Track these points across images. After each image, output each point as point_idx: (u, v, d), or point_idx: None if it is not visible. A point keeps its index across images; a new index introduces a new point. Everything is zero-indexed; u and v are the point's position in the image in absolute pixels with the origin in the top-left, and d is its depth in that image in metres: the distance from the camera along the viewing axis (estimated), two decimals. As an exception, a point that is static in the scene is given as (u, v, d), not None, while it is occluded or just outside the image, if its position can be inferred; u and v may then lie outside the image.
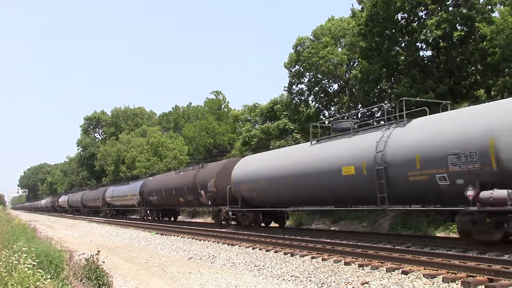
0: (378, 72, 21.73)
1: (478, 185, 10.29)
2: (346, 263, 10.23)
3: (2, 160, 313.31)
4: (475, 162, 10.39)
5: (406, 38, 21.88)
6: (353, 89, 27.42)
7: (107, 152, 63.33)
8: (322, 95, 28.72)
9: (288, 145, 18.89)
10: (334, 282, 8.67)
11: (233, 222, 21.43)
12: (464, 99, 19.53)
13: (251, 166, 20.11)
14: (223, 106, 53.47)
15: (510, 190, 9.65)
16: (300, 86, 29.23)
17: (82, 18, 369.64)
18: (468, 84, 20.74)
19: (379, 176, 12.66)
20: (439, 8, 20.11)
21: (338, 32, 27.27)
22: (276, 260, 11.59)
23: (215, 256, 13.04)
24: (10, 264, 6.17)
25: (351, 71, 27.33)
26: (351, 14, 26.10)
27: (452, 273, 8.28)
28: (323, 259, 11.02)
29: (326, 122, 28.90)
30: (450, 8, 20.29)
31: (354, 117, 26.44)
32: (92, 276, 8.08)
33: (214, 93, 54.54)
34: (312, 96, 29.14)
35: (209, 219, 30.16)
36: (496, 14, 19.28)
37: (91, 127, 79.89)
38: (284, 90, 30.65)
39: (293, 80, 28.97)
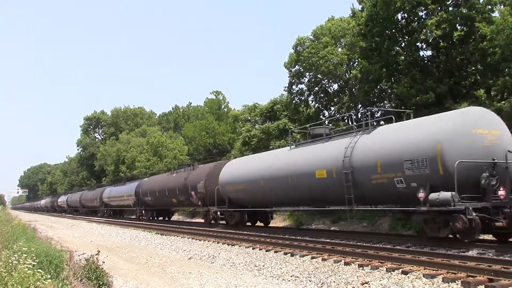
0: (378, 72, 21.72)
1: (429, 187, 11.49)
2: (346, 263, 10.24)
3: (2, 160, 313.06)
4: (426, 167, 11.61)
5: (406, 38, 21.87)
6: (353, 89, 27.42)
7: (107, 152, 63.31)
8: (322, 95, 28.71)
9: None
10: (334, 282, 8.68)
11: (222, 222, 22.50)
12: (464, 99, 19.53)
13: (236, 169, 21.28)
14: (223, 106, 53.42)
15: (453, 193, 10.75)
16: (300, 86, 29.24)
17: (82, 18, 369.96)
18: (468, 84, 20.74)
19: (346, 179, 13.87)
20: (439, 8, 20.11)
21: (338, 32, 27.26)
22: (276, 260, 11.60)
23: (215, 256, 13.04)
24: (10, 264, 6.17)
25: (351, 71, 27.32)
26: (351, 14, 26.10)
27: (452, 273, 8.28)
28: (323, 259, 11.02)
29: (326, 122, 28.98)
30: (450, 8, 20.29)
31: (354, 117, 26.52)
32: (92, 276, 8.08)
33: (214, 93, 54.52)
34: (312, 96, 29.13)
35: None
36: (496, 14, 19.29)
37: (91, 127, 79.86)
38: (284, 90, 30.66)
39: (293, 80, 28.96)
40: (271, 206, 19.95)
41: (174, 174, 28.77)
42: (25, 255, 6.45)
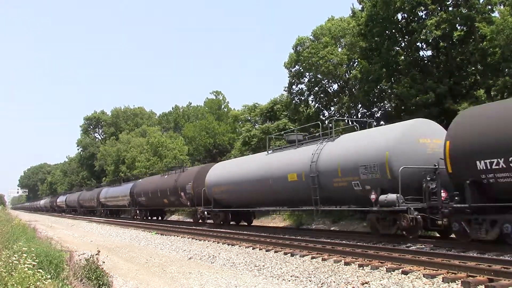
0: (378, 72, 21.71)
1: (379, 190, 12.93)
2: (346, 263, 10.24)
3: (2, 160, 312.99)
4: (377, 172, 13.07)
5: (406, 38, 21.87)
6: (353, 89, 27.41)
7: (107, 152, 63.28)
8: (322, 95, 28.68)
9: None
10: (334, 282, 8.68)
11: (209, 221, 24.05)
12: (464, 99, 19.53)
13: (221, 172, 22.65)
14: (223, 106, 53.39)
15: (398, 195, 12.21)
16: (300, 86, 29.21)
17: (82, 18, 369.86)
18: (468, 84, 20.73)
19: (313, 182, 15.27)
20: (439, 8, 20.11)
21: (338, 32, 27.24)
22: (276, 260, 11.60)
23: (215, 256, 13.04)
24: (10, 264, 6.17)
25: (351, 71, 27.31)
26: (351, 14, 26.09)
27: (452, 273, 8.29)
28: (323, 259, 11.02)
29: (326, 122, 29.00)
30: (450, 8, 20.28)
31: (354, 116, 26.52)
32: (92, 276, 8.08)
33: (214, 93, 54.47)
34: (312, 96, 29.10)
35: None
36: (496, 14, 19.29)
37: (91, 127, 79.80)
38: (284, 90, 30.63)
39: (293, 80, 28.93)
40: (252, 207, 21.13)
41: (166, 176, 30.11)
42: (25, 255, 6.44)
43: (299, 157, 16.60)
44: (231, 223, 23.08)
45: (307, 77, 28.68)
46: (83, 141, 77.85)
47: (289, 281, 9.28)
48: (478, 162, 10.60)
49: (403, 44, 22.43)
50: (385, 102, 25.56)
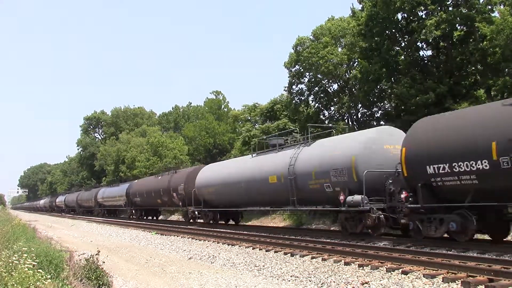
0: (378, 72, 21.71)
1: (347, 192, 14.09)
2: (346, 263, 10.23)
3: (2, 160, 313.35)
4: (345, 175, 14.26)
5: (406, 38, 21.87)
6: (353, 89, 27.41)
7: (107, 152, 63.23)
8: (322, 95, 28.68)
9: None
10: (334, 282, 8.67)
11: (199, 220, 25.39)
12: (464, 99, 19.52)
13: (210, 173, 23.81)
14: (223, 106, 53.36)
15: (363, 196, 13.37)
16: (300, 86, 29.22)
17: (83, 18, 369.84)
18: (468, 84, 20.73)
19: (291, 184, 16.42)
20: (438, 8, 20.09)
21: (338, 32, 27.24)
22: (276, 260, 11.59)
23: (215, 256, 13.04)
24: (10, 264, 6.17)
25: (351, 71, 27.31)
26: (351, 14, 26.07)
27: (452, 273, 8.28)
28: (323, 259, 11.02)
29: (326, 122, 29.01)
30: (450, 8, 20.27)
31: (354, 116, 26.50)
32: (92, 276, 8.08)
33: (214, 93, 54.45)
34: (312, 96, 29.11)
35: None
36: (496, 14, 19.28)
37: (91, 127, 79.73)
38: (284, 90, 30.65)
39: (293, 80, 28.93)
40: (238, 207, 22.03)
41: (160, 177, 31.33)
42: (25, 255, 6.45)
43: (278, 160, 17.70)
44: (220, 222, 24.31)
45: (307, 77, 28.69)
46: (83, 141, 77.77)
47: (289, 281, 9.27)
48: (428, 167, 11.70)
49: (403, 44, 22.43)
50: (385, 102, 25.56)
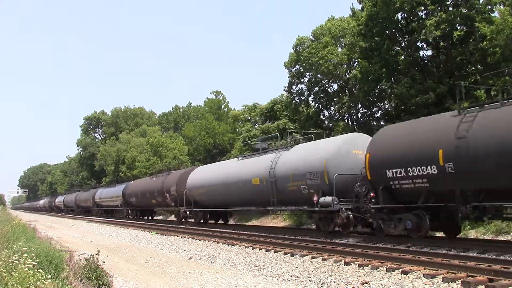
0: (378, 72, 21.68)
1: (321, 193, 15.20)
2: (346, 263, 10.23)
3: (2, 160, 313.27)
4: (318, 178, 15.37)
5: (406, 38, 21.84)
6: (353, 89, 27.40)
7: (107, 152, 63.20)
8: (322, 95, 28.66)
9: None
10: (334, 282, 8.67)
11: (191, 220, 26.47)
12: (464, 99, 19.49)
13: (200, 175, 25.02)
14: (223, 106, 53.31)
15: (333, 197, 14.52)
16: (300, 86, 29.19)
17: (82, 18, 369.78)
18: (468, 84, 20.70)
19: (271, 186, 17.57)
20: (438, 8, 20.07)
21: (338, 32, 27.22)
22: (276, 260, 11.59)
23: (215, 256, 13.04)
24: (10, 264, 6.17)
25: (351, 71, 27.30)
26: (351, 14, 26.05)
27: (452, 273, 8.28)
28: (323, 259, 11.02)
29: (326, 122, 29.02)
30: (450, 8, 20.25)
31: (354, 116, 26.49)
32: (92, 276, 8.08)
33: (214, 93, 54.37)
34: (312, 96, 29.08)
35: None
36: (496, 14, 19.26)
37: (91, 127, 79.67)
38: (284, 90, 30.62)
39: (293, 80, 28.91)
40: (226, 207, 23.03)
41: (154, 178, 32.59)
42: (25, 255, 6.45)
43: (261, 164, 18.88)
44: (210, 221, 25.73)
45: (307, 77, 28.67)
46: (83, 141, 77.73)
47: (289, 281, 9.27)
48: (387, 171, 12.79)
49: (403, 44, 22.41)
50: (385, 102, 25.55)
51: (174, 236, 20.06)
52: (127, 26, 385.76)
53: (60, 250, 10.54)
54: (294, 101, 29.29)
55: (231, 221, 30.00)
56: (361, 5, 24.12)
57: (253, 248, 13.95)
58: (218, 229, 20.68)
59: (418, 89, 19.59)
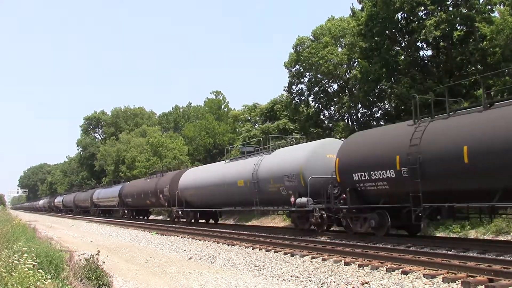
0: (378, 72, 21.68)
1: (297, 194, 16.29)
2: (346, 263, 10.23)
3: (2, 160, 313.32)
4: (295, 180, 16.45)
5: (406, 38, 21.84)
6: (353, 89, 27.40)
7: (107, 152, 63.21)
8: (322, 95, 28.67)
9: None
10: (334, 282, 8.67)
11: (183, 220, 27.30)
12: (464, 99, 19.48)
13: (191, 177, 26.12)
14: (223, 106, 53.29)
15: (308, 198, 15.59)
16: (300, 86, 29.22)
17: (82, 18, 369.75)
18: (468, 84, 20.70)
19: (254, 188, 18.66)
20: (438, 8, 20.07)
21: (338, 32, 27.22)
22: (276, 260, 11.59)
23: (215, 256, 13.04)
24: (10, 264, 6.16)
25: (351, 71, 27.29)
26: (351, 14, 26.05)
27: (452, 273, 8.28)
28: (323, 259, 11.02)
29: (326, 122, 29.02)
30: (450, 8, 20.24)
31: (354, 116, 26.48)
32: (92, 276, 8.07)
33: (214, 93, 54.33)
34: (312, 96, 29.10)
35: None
36: (496, 14, 19.26)
37: (91, 127, 79.69)
38: (284, 90, 30.64)
39: (293, 80, 28.92)
40: (215, 207, 24.17)
41: (149, 180, 33.79)
42: (25, 255, 6.44)
43: (246, 166, 19.88)
44: (201, 221, 27.04)
45: (307, 77, 28.68)
46: (83, 141, 77.74)
47: (289, 281, 9.27)
48: (354, 175, 13.90)
49: (403, 44, 22.41)
50: (385, 102, 25.55)
51: (174, 236, 20.07)
52: (127, 26, 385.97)
53: (60, 250, 10.54)
54: (294, 101, 29.30)
55: (231, 221, 30.42)
56: (361, 5, 24.12)
57: (253, 248, 13.95)
58: (218, 229, 20.70)
59: (418, 89, 19.57)
